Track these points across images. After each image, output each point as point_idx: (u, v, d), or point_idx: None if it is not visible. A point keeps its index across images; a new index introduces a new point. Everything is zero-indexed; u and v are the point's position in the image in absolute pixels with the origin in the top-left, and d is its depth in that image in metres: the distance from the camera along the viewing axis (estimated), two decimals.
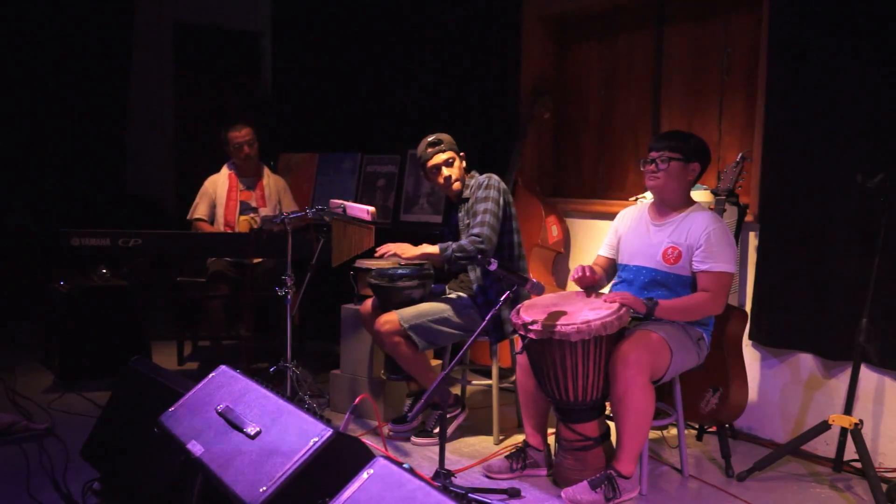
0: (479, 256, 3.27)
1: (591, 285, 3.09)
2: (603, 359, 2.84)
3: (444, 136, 3.52)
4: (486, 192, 3.42)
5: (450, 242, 3.42)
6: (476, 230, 3.34)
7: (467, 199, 3.51)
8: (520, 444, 3.21)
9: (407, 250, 3.40)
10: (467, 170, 3.59)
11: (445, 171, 3.49)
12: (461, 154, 3.55)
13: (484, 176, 3.49)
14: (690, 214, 3.01)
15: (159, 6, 6.33)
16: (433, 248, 3.40)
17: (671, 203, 3.05)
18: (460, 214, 3.56)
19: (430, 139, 3.51)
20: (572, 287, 4.33)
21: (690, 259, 2.95)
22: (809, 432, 3.09)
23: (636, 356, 2.77)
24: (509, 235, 3.50)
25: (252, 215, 4.55)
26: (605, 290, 3.25)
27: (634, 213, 3.21)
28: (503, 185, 3.49)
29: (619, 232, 3.21)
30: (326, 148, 5.59)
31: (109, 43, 5.97)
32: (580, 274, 3.05)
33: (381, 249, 3.42)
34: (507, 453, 3.19)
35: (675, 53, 4.12)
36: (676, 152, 2.98)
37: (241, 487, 1.87)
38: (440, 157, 3.48)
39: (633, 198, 3.81)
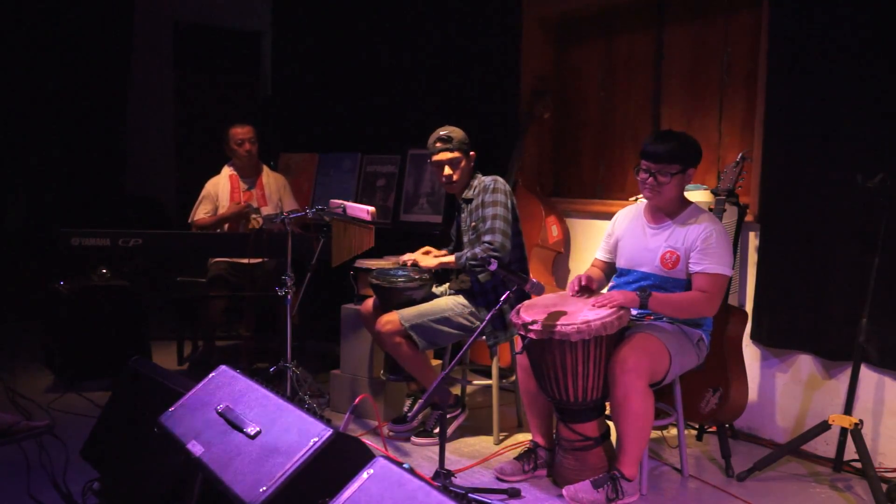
0: (493, 261, 3.24)
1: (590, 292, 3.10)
2: (603, 359, 2.84)
3: (457, 134, 3.49)
4: (494, 196, 3.41)
5: (465, 251, 3.42)
6: (488, 237, 3.33)
7: (470, 200, 3.51)
8: (528, 445, 3.20)
9: (425, 260, 3.53)
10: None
11: (447, 170, 3.48)
12: (471, 154, 3.53)
13: (489, 178, 3.48)
14: (688, 217, 2.99)
15: (159, 6, 6.34)
16: (449, 258, 3.48)
17: (668, 209, 3.03)
18: (463, 215, 3.56)
19: (441, 133, 3.48)
20: None
21: (688, 262, 2.94)
22: (809, 432, 3.10)
23: (635, 361, 2.76)
24: (518, 237, 3.51)
25: (254, 215, 4.55)
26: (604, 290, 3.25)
27: (630, 216, 3.18)
28: (508, 187, 3.49)
29: (616, 235, 3.20)
30: (326, 148, 5.59)
31: (109, 43, 5.97)
32: (577, 287, 3.05)
33: (404, 258, 3.60)
34: (517, 454, 3.18)
35: (676, 53, 4.12)
36: (676, 163, 2.90)
37: (241, 487, 1.87)
38: (445, 156, 3.47)
39: (634, 198, 3.81)
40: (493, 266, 2.88)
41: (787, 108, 3.39)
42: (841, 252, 3.23)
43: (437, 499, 1.58)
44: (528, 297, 3.18)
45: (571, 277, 4.43)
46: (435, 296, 3.59)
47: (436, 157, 3.48)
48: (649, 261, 3.02)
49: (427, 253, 3.64)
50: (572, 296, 3.06)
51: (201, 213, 4.61)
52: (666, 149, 2.90)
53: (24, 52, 5.63)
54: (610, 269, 3.26)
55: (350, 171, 5.32)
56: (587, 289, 3.07)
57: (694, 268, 2.91)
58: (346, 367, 3.96)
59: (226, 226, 4.57)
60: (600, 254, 3.27)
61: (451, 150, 3.46)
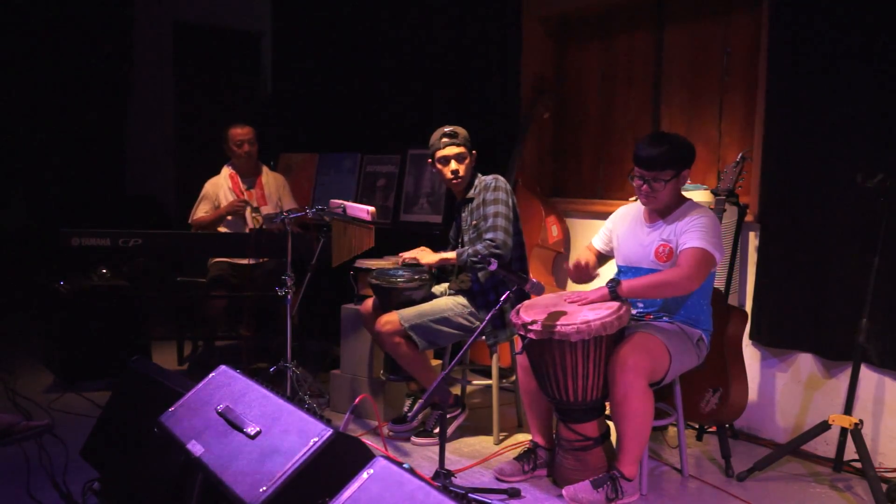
0: (493, 260, 3.23)
1: (586, 279, 3.10)
2: (603, 359, 2.84)
3: (461, 131, 3.50)
4: (495, 194, 3.41)
5: (466, 248, 3.42)
6: (490, 235, 3.34)
7: (471, 200, 3.51)
8: (528, 445, 3.20)
9: (426, 256, 3.51)
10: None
11: (454, 164, 3.48)
12: (473, 152, 3.54)
13: (490, 177, 3.49)
14: (682, 212, 2.98)
15: (159, 6, 6.34)
16: (450, 255, 3.46)
17: (663, 211, 3.03)
18: (464, 214, 3.56)
19: (446, 129, 3.49)
20: (572, 286, 4.33)
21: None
22: (809, 432, 3.10)
23: (634, 361, 2.76)
24: (518, 236, 3.51)
25: (254, 214, 4.55)
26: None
27: (630, 213, 3.19)
28: (509, 186, 3.49)
29: (615, 232, 3.20)
30: (326, 148, 5.59)
31: (109, 43, 5.97)
32: (575, 269, 3.04)
33: (404, 255, 3.57)
34: (517, 455, 3.19)
35: (675, 53, 4.12)
36: (669, 169, 2.90)
37: (241, 487, 1.87)
38: (452, 150, 3.47)
39: (633, 198, 3.81)
40: (493, 266, 2.89)
41: (787, 108, 3.39)
42: (841, 252, 3.23)
43: (437, 499, 1.58)
44: (528, 297, 3.19)
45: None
46: (435, 296, 3.58)
47: (442, 152, 3.48)
48: (645, 256, 3.02)
49: (424, 251, 3.63)
50: (572, 273, 3.06)
51: (200, 212, 4.61)
52: (658, 155, 2.88)
53: (24, 51, 5.63)
54: (602, 259, 3.27)
55: (350, 171, 5.32)
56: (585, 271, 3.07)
57: (678, 249, 2.91)
58: (346, 367, 3.96)
59: (228, 217, 4.57)
60: (596, 242, 3.27)
61: (458, 145, 3.47)
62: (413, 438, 3.53)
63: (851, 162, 3.15)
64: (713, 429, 3.42)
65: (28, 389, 4.08)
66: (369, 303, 3.65)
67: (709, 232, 2.88)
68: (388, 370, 3.64)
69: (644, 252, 3.03)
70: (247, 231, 4.38)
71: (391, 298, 3.51)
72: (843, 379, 3.24)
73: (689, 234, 2.89)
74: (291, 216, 3.64)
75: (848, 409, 3.04)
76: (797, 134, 3.36)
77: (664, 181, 2.90)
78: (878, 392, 3.21)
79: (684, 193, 3.11)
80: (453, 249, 3.66)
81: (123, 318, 4.34)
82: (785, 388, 3.52)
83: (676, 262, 2.89)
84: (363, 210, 3.57)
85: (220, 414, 2.17)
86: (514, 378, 3.56)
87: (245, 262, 4.31)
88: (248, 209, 4.53)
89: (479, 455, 3.39)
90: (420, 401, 2.79)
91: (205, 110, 6.55)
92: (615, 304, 2.87)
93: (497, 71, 4.67)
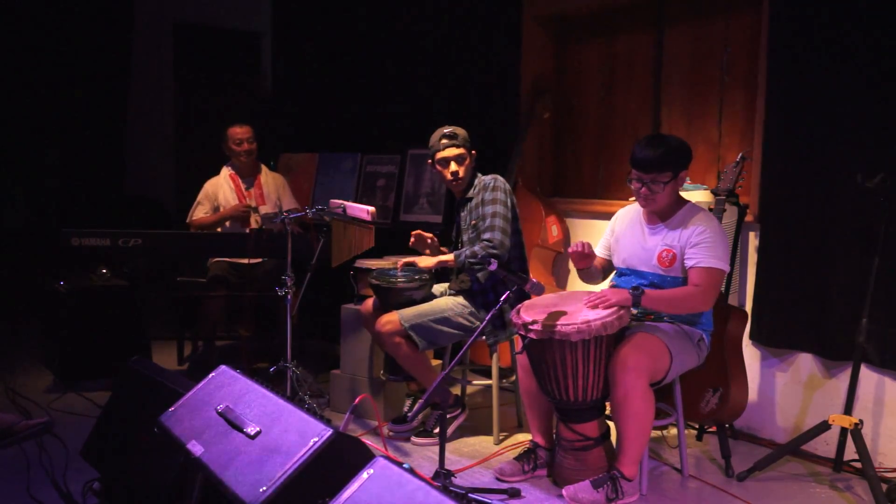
0: (493, 260, 3.23)
1: (585, 262, 3.05)
2: (603, 359, 2.84)
3: (461, 131, 3.50)
4: (493, 194, 3.41)
5: (464, 249, 3.42)
6: (487, 235, 3.33)
7: (470, 199, 3.51)
8: (528, 445, 3.20)
9: (424, 261, 3.48)
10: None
11: (454, 166, 3.48)
12: (473, 153, 3.54)
13: (490, 177, 3.49)
14: (684, 215, 2.98)
15: (159, 6, 6.34)
16: (448, 257, 3.46)
17: (663, 213, 3.03)
18: (463, 214, 3.56)
19: (446, 130, 3.49)
20: (572, 286, 4.34)
21: (684, 259, 2.94)
22: (809, 432, 3.10)
23: (635, 361, 2.76)
24: (517, 236, 3.51)
25: (253, 215, 4.55)
26: (603, 285, 3.25)
27: (630, 215, 3.18)
28: (508, 186, 3.49)
29: (615, 234, 3.20)
30: (326, 148, 5.59)
31: (109, 43, 5.97)
32: (577, 248, 2.99)
33: (402, 261, 3.56)
34: (517, 455, 3.19)
35: (675, 53, 4.12)
36: (667, 171, 2.89)
37: (241, 487, 1.87)
38: (452, 151, 3.47)
39: (633, 198, 3.81)
40: (493, 266, 2.88)
41: (787, 108, 3.39)
42: (841, 252, 3.23)
43: (437, 499, 1.58)
44: (528, 297, 3.18)
45: (571, 277, 4.44)
46: (435, 296, 3.59)
47: (442, 154, 3.47)
48: (647, 260, 3.02)
49: (419, 235, 3.61)
50: (572, 253, 3.02)
51: (199, 213, 4.60)
52: (655, 157, 2.88)
53: (24, 52, 5.63)
54: (607, 266, 3.26)
55: (350, 171, 5.32)
56: (586, 256, 3.02)
57: (688, 263, 2.91)
58: (346, 367, 3.96)
59: (227, 223, 4.57)
60: (599, 250, 3.27)
61: (458, 147, 3.47)
62: (413, 438, 3.53)
63: (851, 162, 3.15)
64: (713, 429, 3.42)
65: (28, 389, 4.08)
66: (369, 303, 3.66)
67: (717, 247, 2.88)
68: (388, 370, 3.64)
69: (646, 255, 3.02)
70: (246, 231, 4.38)
71: (391, 298, 3.51)
72: (843, 379, 3.24)
73: (699, 250, 2.88)
74: (291, 216, 3.64)
75: (848, 409, 3.04)
76: (797, 134, 3.36)
77: (662, 183, 2.90)
78: (878, 392, 3.21)
79: (684, 194, 3.11)
80: (454, 249, 3.66)
81: (123, 318, 4.34)
82: (785, 388, 3.52)
83: (690, 281, 2.90)
84: (363, 210, 3.57)
85: (220, 414, 2.17)
86: (514, 378, 3.56)
87: (245, 261, 4.31)
88: (252, 215, 4.53)
89: (479, 455, 3.39)
90: (420, 401, 2.79)
91: (205, 110, 6.55)
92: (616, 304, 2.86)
93: (497, 71, 4.67)
